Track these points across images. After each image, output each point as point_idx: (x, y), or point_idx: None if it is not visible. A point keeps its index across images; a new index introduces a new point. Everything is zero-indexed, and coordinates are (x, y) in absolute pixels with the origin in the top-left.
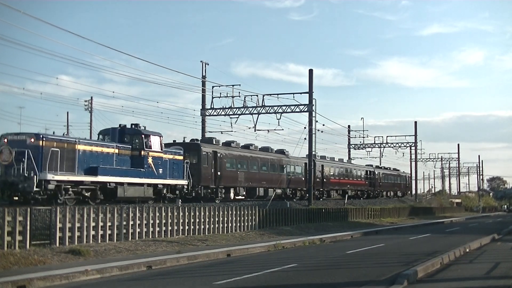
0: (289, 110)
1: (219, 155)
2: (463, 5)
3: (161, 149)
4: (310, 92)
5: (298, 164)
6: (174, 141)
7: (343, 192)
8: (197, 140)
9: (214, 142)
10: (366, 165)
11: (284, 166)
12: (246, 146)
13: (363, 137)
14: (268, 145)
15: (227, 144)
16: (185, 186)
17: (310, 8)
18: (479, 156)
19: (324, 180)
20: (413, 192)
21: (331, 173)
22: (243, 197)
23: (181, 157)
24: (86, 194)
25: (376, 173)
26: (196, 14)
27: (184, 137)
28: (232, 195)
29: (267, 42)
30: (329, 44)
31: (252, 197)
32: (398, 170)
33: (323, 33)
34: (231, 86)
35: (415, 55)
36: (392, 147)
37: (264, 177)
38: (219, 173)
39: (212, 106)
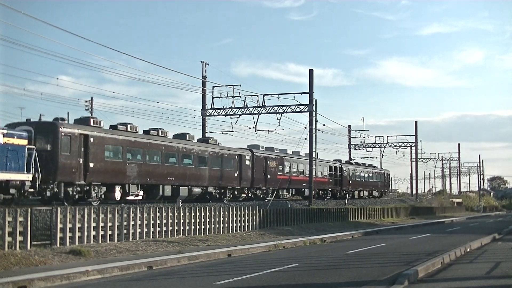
0: (289, 110)
1: (91, 140)
2: (462, 5)
3: None
4: (310, 92)
5: (228, 156)
6: (27, 119)
7: (297, 191)
8: (62, 119)
9: (91, 124)
10: (333, 160)
11: (207, 158)
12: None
13: (364, 137)
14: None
15: (114, 127)
16: (27, 183)
17: (310, 8)
18: (479, 155)
19: (268, 176)
20: (390, 189)
21: (280, 169)
22: (139, 197)
23: (23, 141)
24: None
25: (344, 169)
26: (195, 14)
27: (40, 115)
28: (117, 194)
29: (266, 42)
30: (329, 44)
31: (154, 198)
32: (375, 166)
33: (323, 33)
34: (231, 86)
35: (415, 55)
36: (393, 147)
37: (172, 171)
38: (92, 164)
39: (212, 106)
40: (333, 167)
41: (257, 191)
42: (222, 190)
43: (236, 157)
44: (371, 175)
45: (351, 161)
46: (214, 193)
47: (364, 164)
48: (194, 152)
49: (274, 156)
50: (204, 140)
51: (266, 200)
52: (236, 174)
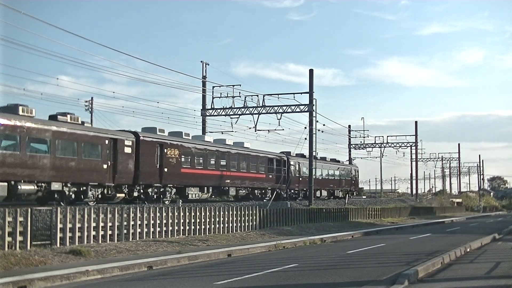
0: (289, 110)
1: None
2: (462, 5)
3: None
4: (310, 92)
5: (92, 140)
6: None
7: (218, 190)
8: None
9: (20, 112)
10: (281, 152)
11: (49, 142)
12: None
13: (364, 137)
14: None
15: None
16: None
17: (310, 8)
18: (479, 155)
19: (166, 169)
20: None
21: (186, 160)
22: None
23: None
24: None
25: (292, 163)
26: (195, 14)
27: None
28: None
29: (266, 42)
30: (329, 43)
31: None
32: (339, 161)
33: (323, 33)
34: (232, 86)
35: (414, 55)
36: (393, 147)
37: None
38: None
39: (212, 106)
40: (274, 160)
41: (148, 190)
42: (83, 188)
43: (107, 142)
44: (332, 171)
45: (303, 154)
46: (67, 192)
47: (324, 158)
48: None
49: (176, 143)
50: (52, 116)
51: (165, 201)
52: (105, 166)
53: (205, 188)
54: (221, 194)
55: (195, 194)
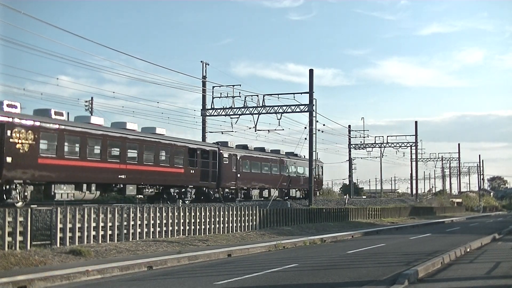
0: (289, 110)
1: None
2: (462, 5)
3: None
4: (310, 92)
5: None
6: None
7: (108, 188)
8: None
9: None
10: (214, 142)
11: None
12: None
13: (364, 137)
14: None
15: None
16: None
17: (309, 8)
18: (479, 155)
19: (9, 159)
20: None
21: (51, 147)
22: None
23: None
24: None
25: (227, 156)
26: (195, 14)
27: None
28: None
29: (266, 42)
30: (329, 44)
31: None
32: (297, 155)
33: (322, 33)
34: (232, 86)
35: (414, 55)
36: (393, 147)
37: None
38: None
39: (212, 106)
40: (199, 152)
41: None
42: None
43: None
44: (285, 167)
45: (243, 145)
46: None
47: (278, 152)
48: None
49: (31, 123)
50: None
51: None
52: None
53: (85, 185)
54: (110, 192)
55: (69, 193)
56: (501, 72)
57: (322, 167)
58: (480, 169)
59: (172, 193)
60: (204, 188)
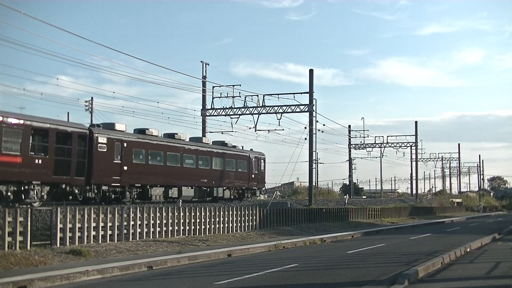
0: (289, 110)
1: None
2: (461, 5)
3: None
4: (310, 92)
5: None
6: None
7: None
8: None
9: None
10: (91, 125)
11: None
12: None
13: (364, 137)
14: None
15: None
16: None
17: (308, 8)
18: (479, 155)
19: None
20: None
21: None
22: None
23: None
24: None
25: (102, 141)
26: (194, 14)
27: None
28: None
29: (265, 42)
30: (328, 44)
31: None
32: (226, 144)
33: (322, 33)
34: (232, 86)
35: (414, 55)
36: (393, 147)
37: None
38: None
39: (212, 106)
40: (52, 134)
41: None
42: None
43: None
44: (211, 159)
45: (145, 130)
46: None
47: (199, 140)
48: None
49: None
50: None
51: None
52: None
53: None
54: None
55: None
56: (501, 72)
57: (263, 160)
58: (480, 169)
59: (3, 192)
60: (64, 185)
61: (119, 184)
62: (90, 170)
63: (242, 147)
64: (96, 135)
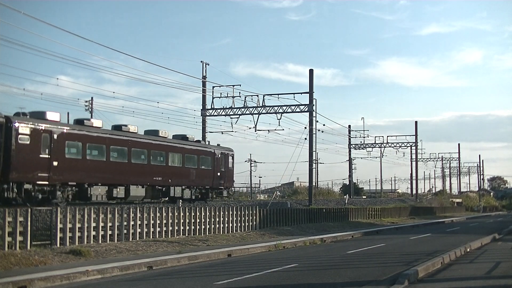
0: (289, 110)
1: None
2: (461, 5)
3: None
4: (310, 92)
5: None
6: None
7: None
8: None
9: None
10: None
11: None
12: None
13: (364, 137)
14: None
15: None
16: None
17: (308, 8)
18: (479, 155)
19: None
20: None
21: None
22: None
23: None
24: None
25: (24, 132)
26: (193, 14)
27: None
28: None
29: (265, 42)
30: (328, 44)
31: None
32: (187, 138)
33: (321, 33)
34: (232, 86)
35: (413, 55)
36: (393, 147)
37: None
38: None
39: (212, 106)
40: None
41: None
42: None
43: None
44: (166, 154)
45: (83, 120)
46: None
47: (155, 133)
48: None
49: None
50: None
51: None
52: None
53: None
54: None
55: None
56: (500, 72)
57: (232, 156)
58: (480, 169)
59: None
60: None
61: (47, 182)
62: (7, 165)
63: (209, 142)
64: (16, 124)
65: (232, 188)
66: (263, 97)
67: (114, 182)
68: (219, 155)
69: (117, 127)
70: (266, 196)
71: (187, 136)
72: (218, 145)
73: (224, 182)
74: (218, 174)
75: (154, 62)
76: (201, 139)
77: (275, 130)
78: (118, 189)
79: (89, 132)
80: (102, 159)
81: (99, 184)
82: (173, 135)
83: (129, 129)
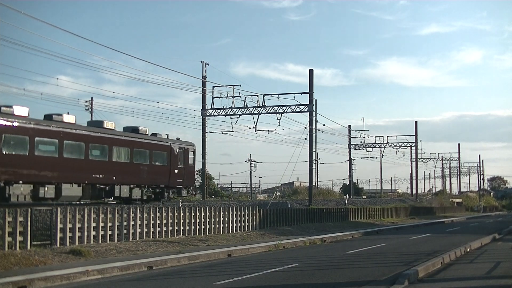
0: (289, 110)
1: None
2: (460, 5)
3: None
4: (310, 92)
5: None
6: None
7: None
8: None
9: None
10: None
11: None
12: None
13: (364, 137)
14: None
15: None
16: None
17: (308, 8)
18: (479, 155)
19: None
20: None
21: None
22: None
23: None
24: None
25: None
26: (194, 14)
27: None
28: None
29: (265, 42)
30: (328, 44)
31: None
32: (137, 129)
33: (321, 33)
34: (231, 86)
35: (413, 55)
36: (393, 147)
37: None
38: None
39: (212, 106)
40: None
41: None
42: None
43: None
44: (110, 148)
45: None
46: None
47: (99, 123)
48: None
49: None
50: None
51: None
52: None
53: None
54: None
55: None
56: (500, 72)
57: (193, 152)
58: (480, 169)
59: None
60: None
61: None
62: None
63: (167, 135)
64: None
65: (193, 187)
66: (263, 97)
67: (41, 179)
68: (177, 150)
69: (48, 117)
70: (266, 196)
71: (139, 128)
72: (178, 139)
73: (184, 180)
74: (176, 171)
75: (154, 62)
76: (157, 132)
77: (275, 130)
78: (46, 188)
79: (8, 122)
80: (24, 153)
81: (21, 182)
82: (123, 127)
83: (62, 119)
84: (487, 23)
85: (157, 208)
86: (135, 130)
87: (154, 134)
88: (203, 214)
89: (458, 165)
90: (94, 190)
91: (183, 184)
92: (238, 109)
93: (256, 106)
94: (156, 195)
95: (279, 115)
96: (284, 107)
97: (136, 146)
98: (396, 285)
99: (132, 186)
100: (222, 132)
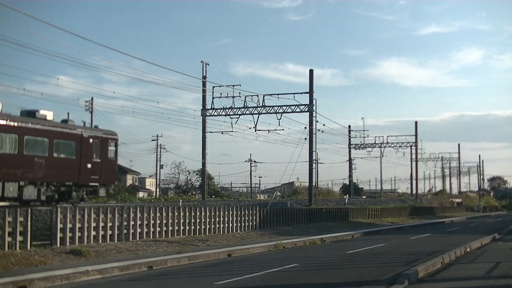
0: (289, 110)
1: None
2: (460, 5)
3: None
4: (310, 92)
5: None
6: None
7: None
8: None
9: None
10: None
11: None
12: None
13: (364, 137)
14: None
15: None
16: None
17: (308, 8)
18: (479, 155)
19: None
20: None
21: None
22: None
23: None
24: None
25: None
26: (193, 14)
27: None
28: None
29: (265, 42)
30: (327, 44)
31: None
32: (34, 114)
33: (321, 33)
34: (232, 87)
35: (413, 55)
36: (393, 147)
37: None
38: None
39: (212, 106)
40: None
41: None
42: None
43: None
44: None
45: None
46: None
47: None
48: None
49: None
50: None
51: None
52: None
53: None
54: None
55: None
56: (500, 72)
57: (114, 143)
58: (480, 169)
59: None
60: None
61: None
62: None
63: (84, 123)
64: None
65: (115, 185)
66: (263, 97)
67: None
68: (92, 141)
69: None
70: (266, 196)
71: (37, 111)
72: (96, 126)
73: (100, 177)
74: (89, 165)
75: (154, 62)
76: (68, 118)
77: (275, 130)
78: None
79: None
80: None
81: None
82: (20, 111)
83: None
84: (487, 23)
85: (157, 208)
86: (31, 114)
87: (65, 121)
88: (203, 214)
89: (458, 165)
90: None
91: (100, 181)
92: (238, 109)
93: (256, 106)
94: (61, 195)
95: (279, 115)
96: (284, 107)
97: (28, 133)
98: (396, 285)
99: (22, 183)
100: (222, 132)
